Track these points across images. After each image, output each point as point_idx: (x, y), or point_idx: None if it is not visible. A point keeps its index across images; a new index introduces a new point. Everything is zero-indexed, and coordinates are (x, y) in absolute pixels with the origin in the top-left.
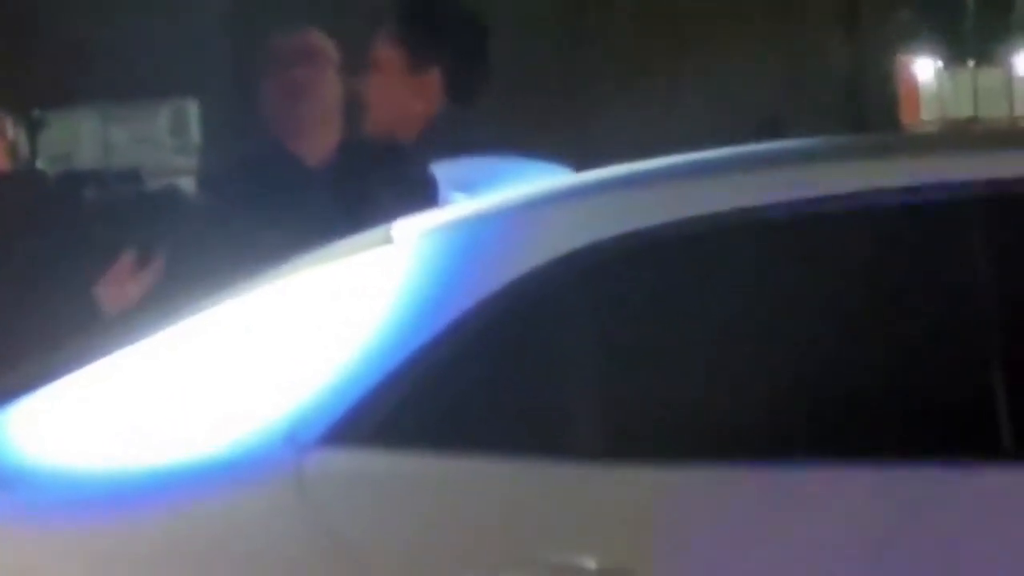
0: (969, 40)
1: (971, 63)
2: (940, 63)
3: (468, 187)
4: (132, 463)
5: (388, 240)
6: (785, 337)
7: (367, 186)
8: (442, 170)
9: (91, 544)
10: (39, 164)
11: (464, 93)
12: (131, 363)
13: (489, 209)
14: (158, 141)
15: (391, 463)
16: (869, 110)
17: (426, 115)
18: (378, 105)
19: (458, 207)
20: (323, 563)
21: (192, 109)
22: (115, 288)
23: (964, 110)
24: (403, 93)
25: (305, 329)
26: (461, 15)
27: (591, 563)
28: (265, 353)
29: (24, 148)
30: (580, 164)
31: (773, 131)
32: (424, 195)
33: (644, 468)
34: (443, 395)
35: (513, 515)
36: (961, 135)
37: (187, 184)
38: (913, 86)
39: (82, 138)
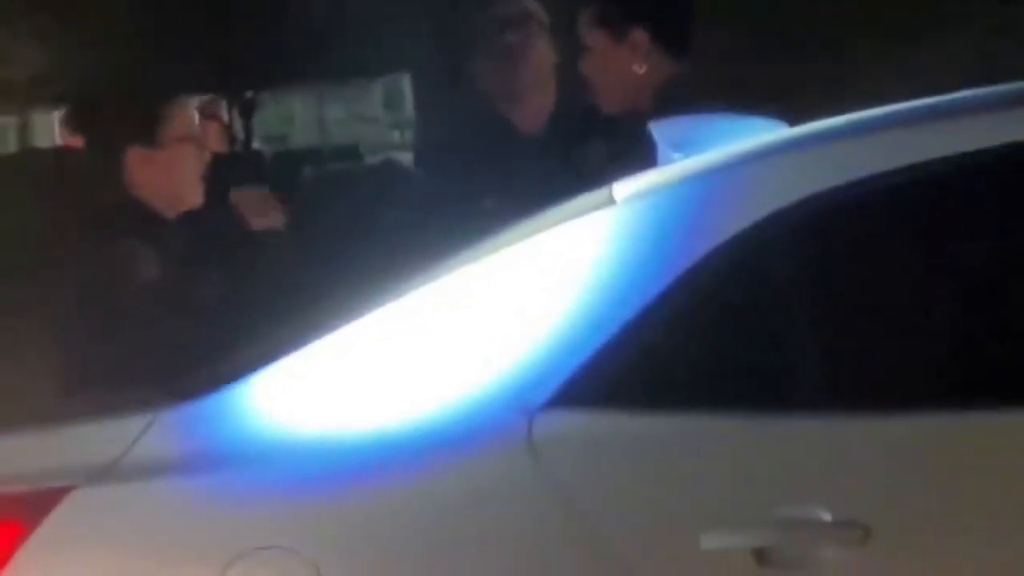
0: None
1: None
2: None
3: (686, 146)
4: (363, 434)
5: (610, 202)
6: (1014, 285)
7: (583, 149)
8: (659, 129)
9: (327, 515)
10: (255, 145)
11: (678, 42)
12: (360, 335)
13: (708, 166)
14: (373, 117)
15: (620, 424)
16: None
17: (647, 78)
18: (605, 85)
19: (677, 166)
20: (558, 526)
21: (406, 84)
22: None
23: None
24: (619, 66)
25: (530, 293)
26: None
27: (825, 515)
28: (491, 319)
29: (239, 130)
30: (796, 120)
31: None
32: (642, 156)
33: (874, 419)
34: (669, 354)
35: (744, 472)
36: None
37: (404, 158)
38: None
39: (297, 118)
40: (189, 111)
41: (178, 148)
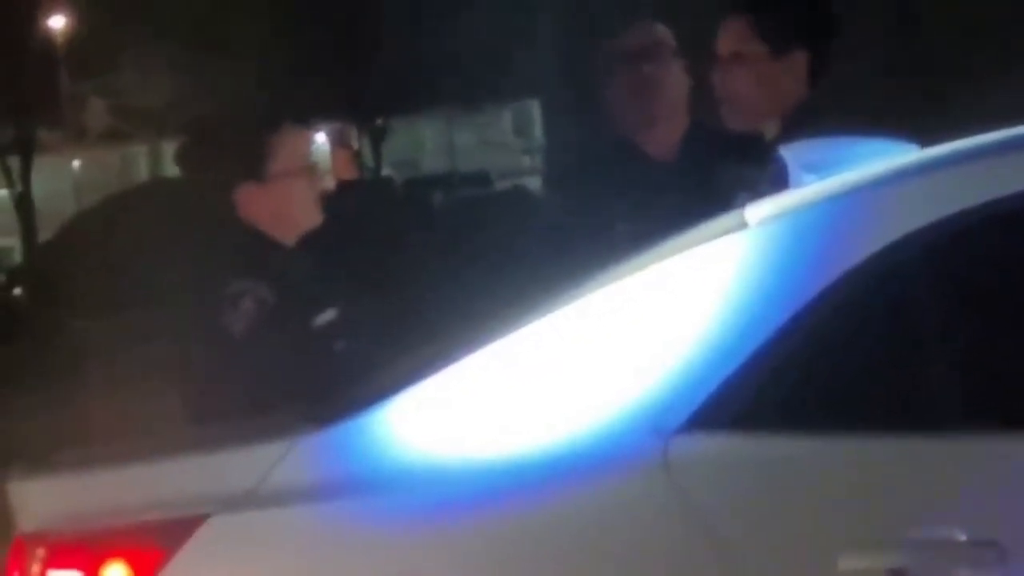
0: None
1: None
2: None
3: (818, 168)
4: (499, 459)
5: (743, 225)
6: None
7: (715, 174)
8: (791, 152)
9: (466, 540)
10: (386, 171)
11: (820, 68)
12: (495, 360)
13: (840, 189)
14: (503, 143)
15: (755, 446)
16: None
17: (796, 98)
18: (747, 98)
19: (810, 189)
20: (694, 548)
21: (535, 110)
22: None
23: None
24: (769, 79)
25: (664, 317)
26: None
27: (961, 536)
28: (626, 343)
29: (369, 157)
30: (929, 142)
31: None
32: (774, 179)
33: (1007, 439)
34: (803, 376)
35: (879, 492)
36: None
37: (533, 184)
38: None
39: (428, 144)
40: (297, 142)
41: (287, 181)
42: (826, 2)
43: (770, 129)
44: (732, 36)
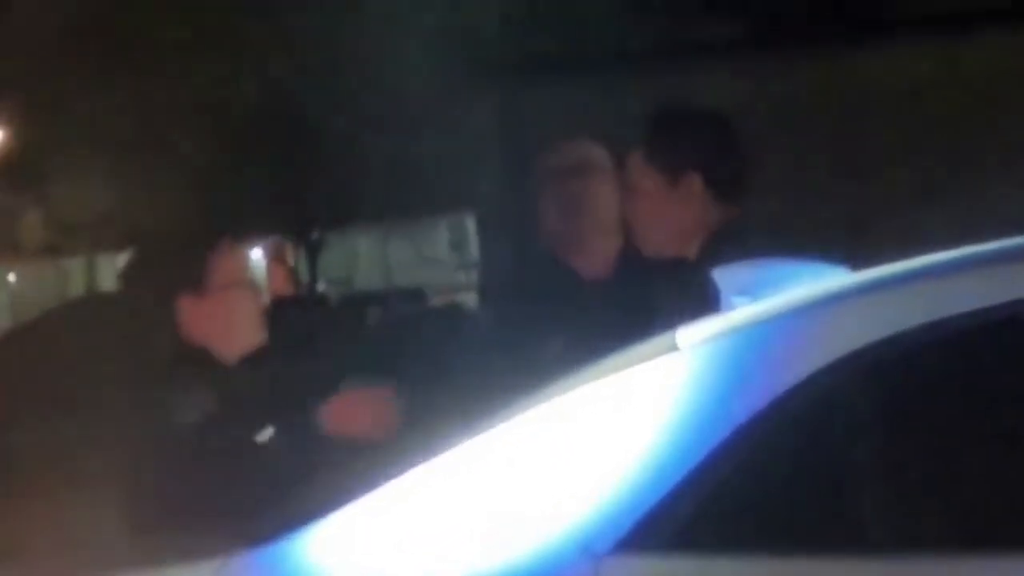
0: None
1: None
2: None
3: (750, 291)
4: None
5: (674, 347)
6: None
7: (646, 296)
8: (723, 275)
9: None
10: (320, 287)
11: (730, 190)
12: (426, 481)
13: (772, 312)
14: (439, 259)
15: (688, 569)
16: None
17: (699, 223)
18: (650, 227)
19: (741, 312)
20: None
21: (470, 225)
22: (339, 412)
23: None
24: (667, 209)
25: (596, 439)
26: (700, 115)
27: None
28: (557, 464)
29: (304, 272)
30: (859, 265)
31: None
32: (705, 302)
33: (943, 561)
34: (737, 499)
35: None
36: None
37: (469, 300)
38: None
39: (362, 258)
40: (237, 256)
41: (227, 294)
42: (721, 125)
43: (691, 252)
44: (630, 169)
